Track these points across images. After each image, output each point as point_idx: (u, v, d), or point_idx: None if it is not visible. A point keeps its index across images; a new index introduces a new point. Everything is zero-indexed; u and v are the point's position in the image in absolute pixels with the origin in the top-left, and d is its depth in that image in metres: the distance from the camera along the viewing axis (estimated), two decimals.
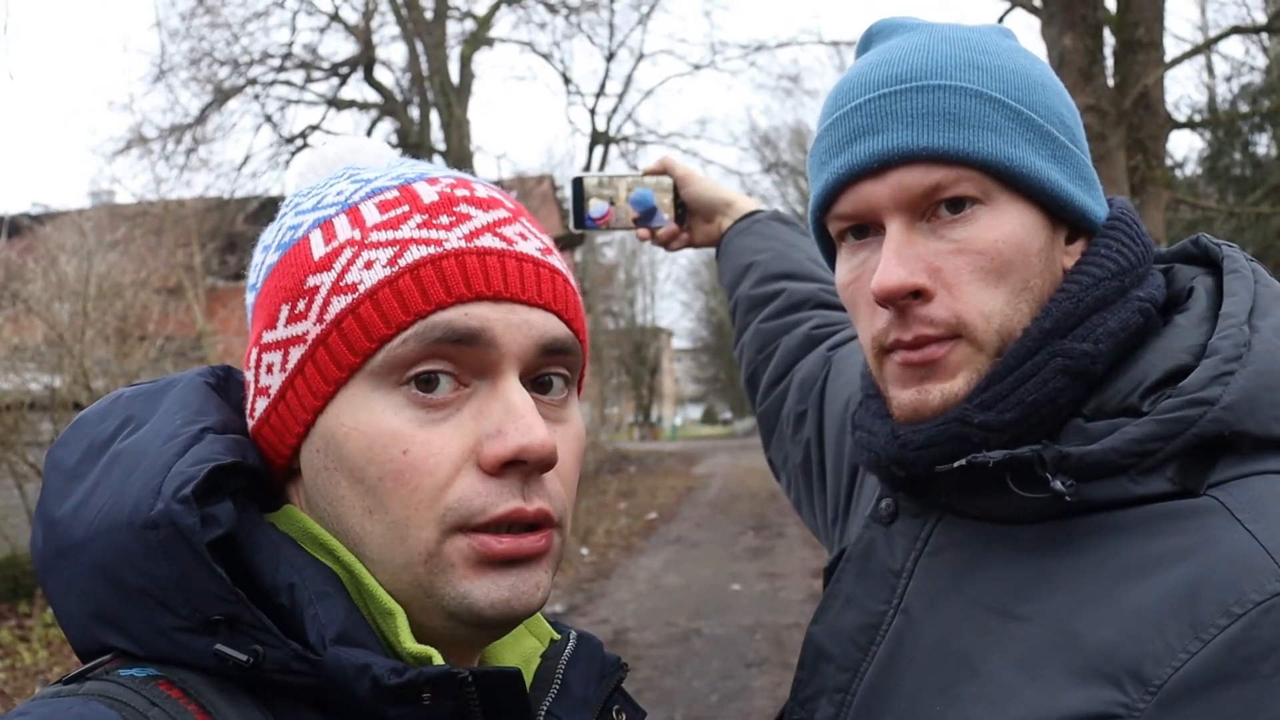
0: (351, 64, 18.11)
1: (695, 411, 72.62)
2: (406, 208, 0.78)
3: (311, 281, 0.76)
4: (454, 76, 17.82)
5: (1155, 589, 0.84)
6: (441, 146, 17.52)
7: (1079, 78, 7.22)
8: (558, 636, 0.90)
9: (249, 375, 0.81)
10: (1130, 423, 0.89)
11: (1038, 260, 0.95)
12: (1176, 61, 8.56)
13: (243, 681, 0.70)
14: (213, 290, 15.68)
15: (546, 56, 19.94)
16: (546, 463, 0.74)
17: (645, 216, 1.67)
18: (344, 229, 0.78)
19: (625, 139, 20.83)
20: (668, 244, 1.71)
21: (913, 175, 0.94)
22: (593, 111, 20.31)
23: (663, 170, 1.68)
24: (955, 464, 0.92)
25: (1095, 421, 0.92)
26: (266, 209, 16.01)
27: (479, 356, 0.75)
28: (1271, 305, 0.94)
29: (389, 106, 18.27)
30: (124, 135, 17.09)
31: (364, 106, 18.53)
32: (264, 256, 0.83)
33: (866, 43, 1.06)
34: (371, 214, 0.78)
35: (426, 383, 0.74)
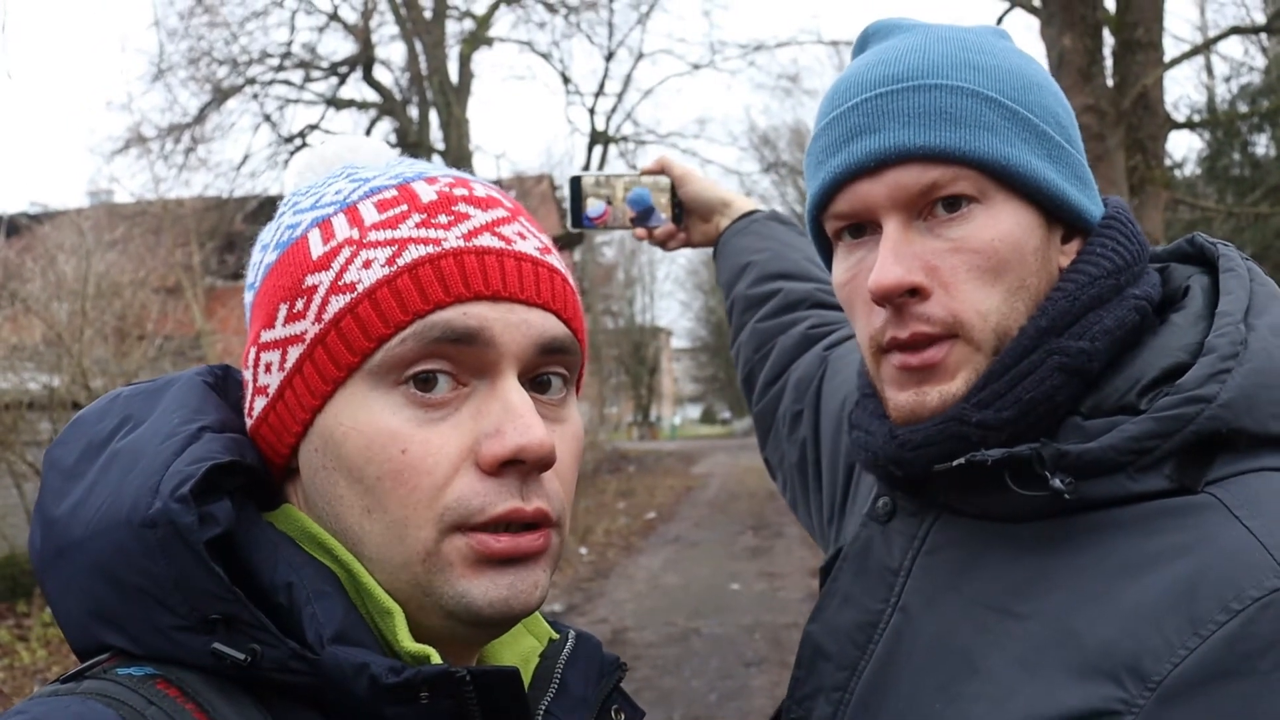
0: (350, 63, 18.11)
1: (694, 411, 72.60)
2: (405, 207, 0.78)
3: (310, 281, 0.76)
4: (453, 76, 17.82)
5: (1154, 586, 0.84)
6: (440, 146, 17.52)
7: (1078, 78, 7.22)
8: (556, 636, 0.89)
9: (247, 374, 0.81)
10: (1128, 420, 0.89)
11: (1034, 259, 0.96)
12: (1176, 62, 8.56)
13: (241, 680, 0.70)
14: (211, 289, 15.68)
15: (545, 56, 19.96)
16: (545, 462, 0.74)
17: (642, 216, 1.67)
18: (342, 228, 0.78)
19: (624, 138, 20.84)
20: (665, 243, 1.71)
21: (909, 174, 0.94)
22: (592, 111, 20.33)
23: (660, 170, 1.68)
24: (954, 463, 0.93)
25: (1093, 419, 0.92)
26: (265, 208, 16.00)
27: (477, 356, 0.75)
28: (1267, 304, 0.94)
29: (388, 106, 18.27)
30: (122, 135, 17.15)
31: (363, 106, 18.53)
32: (262, 255, 0.82)
33: (863, 43, 1.07)
34: (370, 213, 0.78)
35: (425, 382, 0.74)
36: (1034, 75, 1.00)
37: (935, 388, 0.96)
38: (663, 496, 19.31)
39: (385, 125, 18.41)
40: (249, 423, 0.81)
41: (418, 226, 0.77)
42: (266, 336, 0.78)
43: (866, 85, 0.98)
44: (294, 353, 0.76)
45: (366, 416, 0.74)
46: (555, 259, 0.82)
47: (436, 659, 0.72)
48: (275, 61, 17.66)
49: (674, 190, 1.67)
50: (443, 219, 0.77)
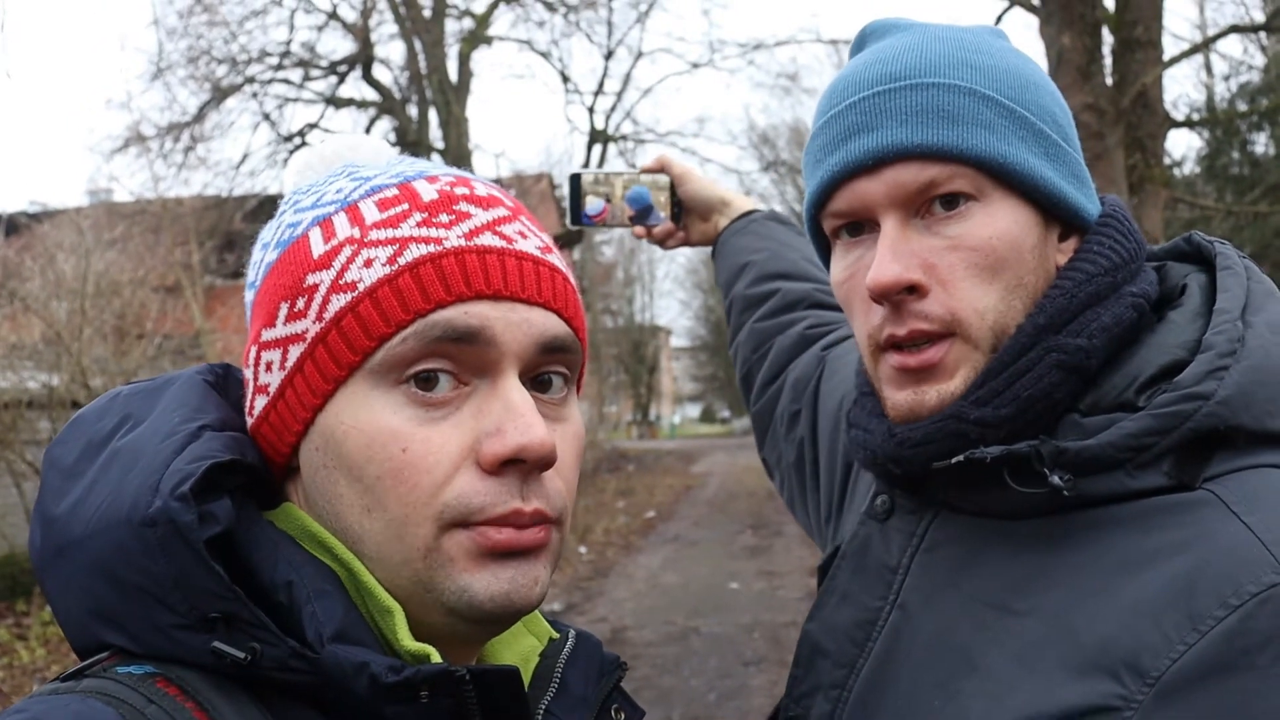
0: (350, 62, 18.10)
1: (693, 410, 72.59)
2: (406, 206, 0.78)
3: (311, 279, 0.76)
4: (452, 75, 17.81)
5: (1152, 582, 0.85)
6: (440, 145, 17.50)
7: (1077, 76, 7.22)
8: (556, 635, 0.90)
9: (248, 373, 0.81)
10: (1126, 418, 0.89)
11: (1031, 257, 0.96)
12: (1175, 60, 8.56)
13: (240, 679, 0.70)
14: (211, 288, 15.68)
15: (545, 55, 19.92)
16: (545, 462, 0.75)
17: (641, 214, 1.67)
18: (343, 227, 0.78)
19: (624, 137, 20.83)
20: (663, 242, 1.71)
21: (907, 172, 0.95)
22: (591, 110, 20.32)
23: (660, 168, 1.69)
24: (953, 460, 0.93)
25: (1091, 417, 0.92)
26: (265, 207, 16.01)
27: (479, 355, 0.75)
28: (1264, 301, 0.95)
29: (387, 105, 18.26)
30: (122, 133, 17.14)
31: (362, 105, 18.52)
32: (263, 254, 0.82)
33: (861, 43, 1.07)
34: (371, 212, 0.78)
35: (426, 381, 0.74)
36: (1031, 75, 1.00)
37: (933, 386, 0.96)
38: (662, 495, 19.31)
39: (384, 124, 18.41)
40: (249, 421, 0.81)
41: (419, 225, 0.77)
42: (267, 335, 0.78)
43: (864, 84, 0.98)
44: (295, 351, 0.76)
45: (367, 415, 0.74)
46: (556, 258, 0.82)
47: (436, 658, 0.72)
48: (274, 60, 17.65)
49: (673, 189, 1.68)
50: (444, 218, 0.77)
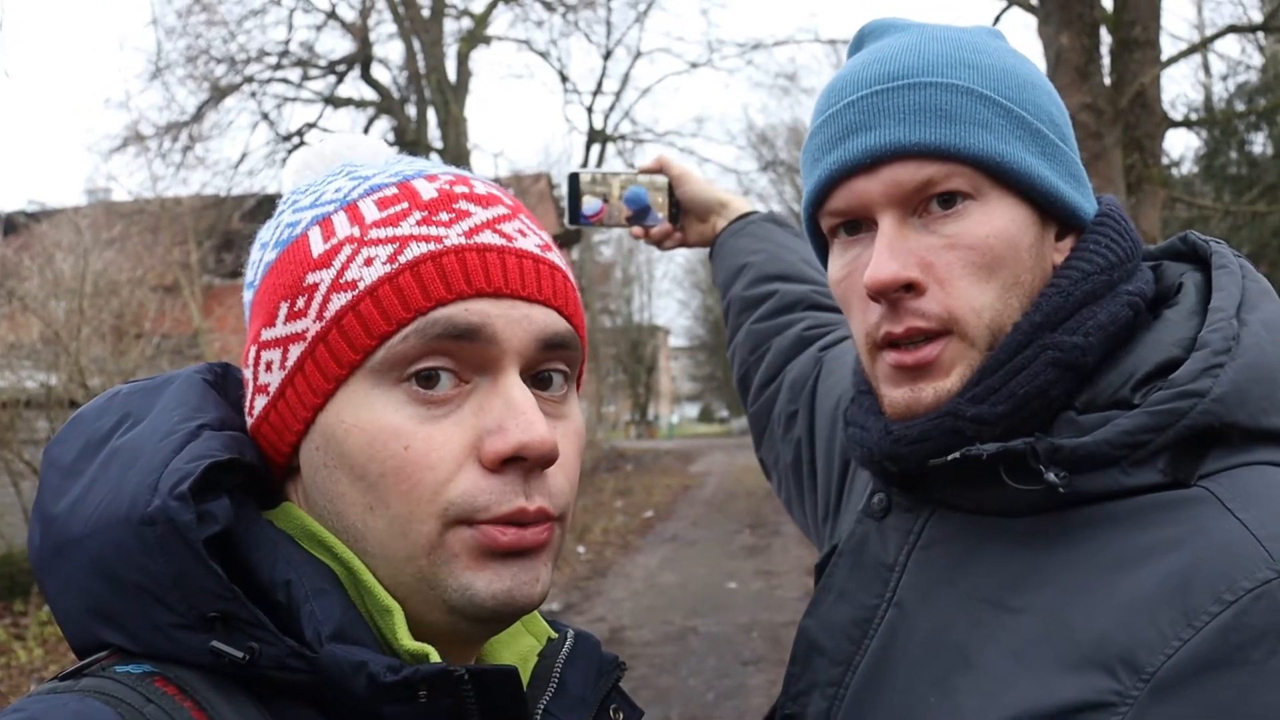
0: (348, 62, 18.10)
1: (692, 410, 72.57)
2: (405, 205, 0.78)
3: (311, 279, 0.76)
4: (451, 74, 17.81)
5: (1148, 579, 0.85)
6: (439, 144, 17.50)
7: (1075, 76, 7.22)
8: (555, 635, 0.90)
9: (247, 373, 0.81)
10: (1122, 415, 0.90)
11: (1028, 256, 0.96)
12: (1173, 60, 8.58)
13: (239, 678, 0.70)
14: (209, 288, 15.68)
15: (544, 54, 19.92)
16: (548, 459, 0.75)
17: (639, 215, 1.67)
18: (343, 226, 0.78)
19: (622, 137, 20.85)
20: (661, 243, 1.71)
21: (905, 170, 0.95)
22: (590, 109, 20.34)
23: (658, 169, 1.69)
24: (949, 457, 0.93)
25: (1087, 414, 0.92)
26: (263, 207, 16.00)
27: (479, 352, 0.75)
28: (1259, 299, 0.95)
29: (386, 104, 18.26)
30: (120, 133, 17.11)
31: (361, 104, 18.52)
32: (262, 254, 0.82)
33: (859, 42, 1.07)
34: (370, 211, 0.78)
35: (427, 379, 0.74)
36: (1028, 75, 1.00)
37: (930, 384, 0.96)
38: (660, 495, 19.31)
39: (383, 124, 18.41)
40: (249, 421, 0.81)
41: (419, 224, 0.77)
42: (267, 335, 0.78)
43: (862, 83, 0.98)
44: (295, 351, 0.76)
45: (369, 414, 0.74)
46: (555, 255, 0.82)
47: (435, 657, 0.73)
48: (273, 60, 17.65)
49: (671, 190, 1.68)
50: (444, 216, 0.77)
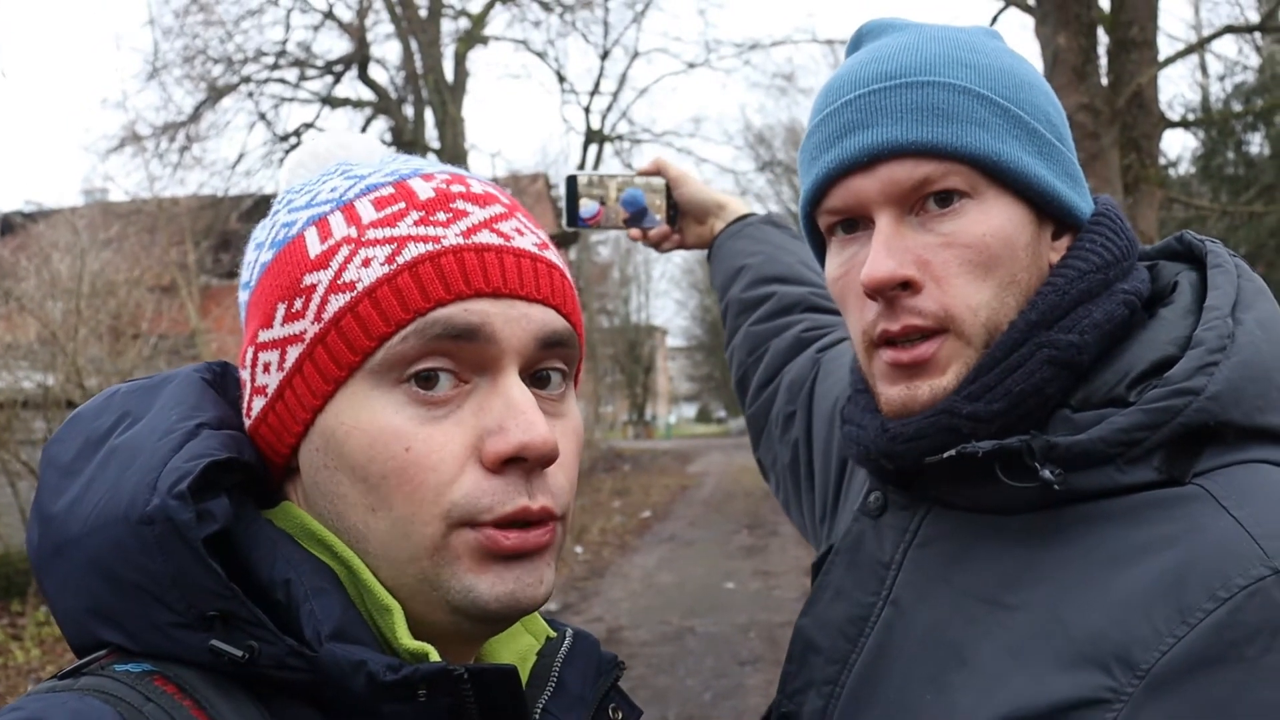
0: (346, 62, 18.09)
1: (689, 410, 72.54)
2: (402, 204, 0.78)
3: (308, 280, 0.76)
4: (448, 74, 17.81)
5: (1142, 576, 0.85)
6: (436, 145, 17.50)
7: (1073, 76, 7.23)
8: (554, 634, 0.90)
9: (245, 374, 0.81)
10: (1117, 413, 0.90)
11: (1024, 254, 0.97)
12: (1170, 60, 8.60)
13: (238, 677, 0.70)
14: (206, 288, 15.65)
15: (541, 54, 19.93)
16: (548, 458, 0.75)
17: (636, 217, 1.67)
18: (340, 226, 0.77)
19: (620, 137, 20.86)
20: (659, 245, 1.71)
21: (902, 169, 0.95)
22: (587, 110, 20.36)
23: (656, 171, 1.69)
24: (945, 455, 0.94)
25: (1082, 412, 0.93)
26: (260, 207, 15.99)
27: (479, 352, 0.75)
28: (1254, 298, 0.95)
29: (383, 104, 18.25)
30: (117, 133, 17.11)
31: (358, 104, 18.51)
32: (258, 254, 0.82)
33: (857, 42, 1.08)
34: (367, 211, 0.78)
35: (426, 380, 0.74)
36: (1025, 74, 1.01)
37: (926, 382, 0.96)
38: (658, 495, 19.30)
39: (380, 124, 18.41)
40: (248, 422, 0.80)
41: (416, 224, 0.76)
42: (264, 336, 0.78)
43: (860, 82, 0.99)
44: (293, 352, 0.76)
45: (369, 415, 0.74)
46: (553, 254, 0.82)
47: (435, 657, 0.72)
48: (270, 60, 17.64)
49: (669, 192, 1.68)
50: (441, 216, 0.77)
